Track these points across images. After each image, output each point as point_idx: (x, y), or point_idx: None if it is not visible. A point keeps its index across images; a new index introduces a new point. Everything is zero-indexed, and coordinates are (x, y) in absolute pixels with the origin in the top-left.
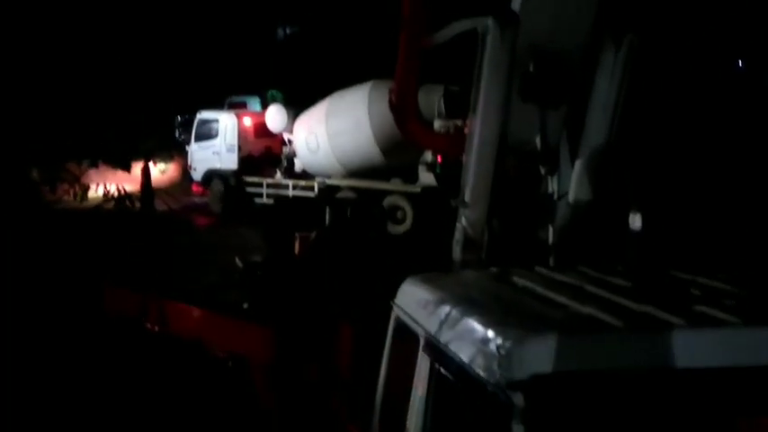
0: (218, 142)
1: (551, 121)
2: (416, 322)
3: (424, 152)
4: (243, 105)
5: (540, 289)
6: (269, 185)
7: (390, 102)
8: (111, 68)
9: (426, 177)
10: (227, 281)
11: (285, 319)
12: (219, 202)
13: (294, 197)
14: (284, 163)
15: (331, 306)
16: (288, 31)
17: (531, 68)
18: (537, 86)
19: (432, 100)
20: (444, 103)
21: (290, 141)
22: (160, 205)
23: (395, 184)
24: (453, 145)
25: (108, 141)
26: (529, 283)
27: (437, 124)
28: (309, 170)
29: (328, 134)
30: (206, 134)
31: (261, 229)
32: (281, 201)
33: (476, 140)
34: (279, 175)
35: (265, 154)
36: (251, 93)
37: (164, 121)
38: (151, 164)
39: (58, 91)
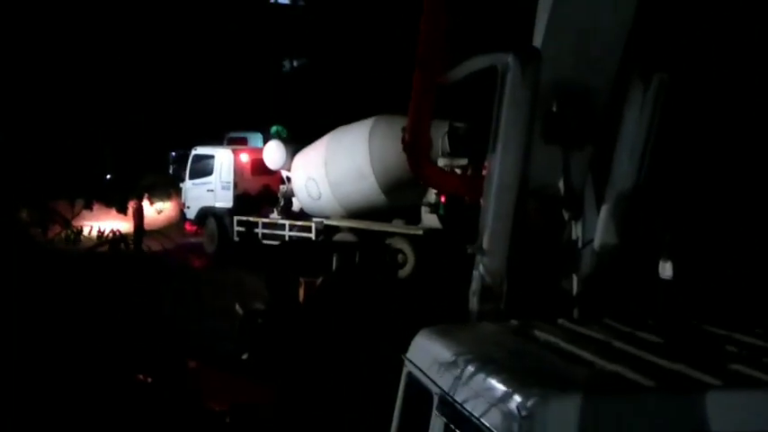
0: (214, 179)
1: (576, 163)
2: (430, 379)
3: (427, 192)
4: (243, 141)
5: (563, 344)
6: (265, 225)
7: (403, 141)
8: (108, 101)
9: (429, 219)
10: (226, 329)
11: (288, 372)
12: (213, 243)
13: (296, 238)
14: (281, 202)
15: (338, 358)
16: (294, 63)
17: (554, 107)
18: (560, 126)
19: (435, 137)
20: (449, 140)
21: (288, 179)
22: (155, 246)
23: (396, 226)
24: (470, 187)
25: (103, 180)
26: (551, 338)
27: (441, 163)
28: (307, 210)
29: (327, 174)
30: (201, 171)
31: (262, 273)
32: (284, 243)
33: (495, 183)
34: (275, 214)
35: (263, 192)
36: (254, 128)
37: (163, 156)
38: (147, 203)
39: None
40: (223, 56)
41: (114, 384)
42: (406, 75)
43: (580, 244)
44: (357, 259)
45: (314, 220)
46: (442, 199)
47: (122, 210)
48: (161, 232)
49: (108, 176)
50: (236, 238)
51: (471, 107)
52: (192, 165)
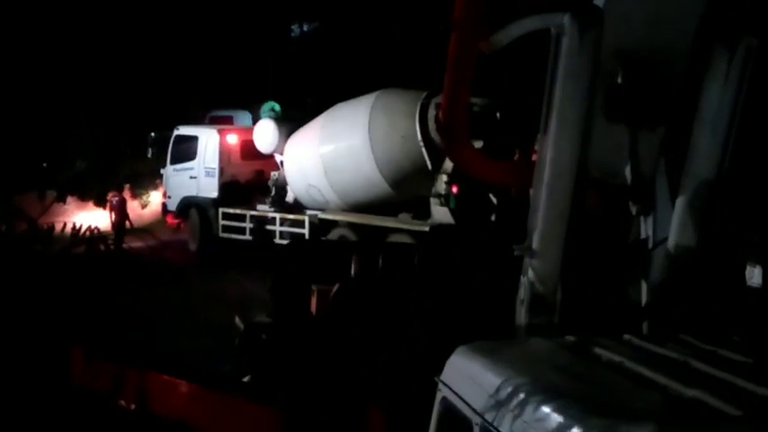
0: (197, 164)
1: (645, 146)
2: (469, 406)
3: (437, 181)
4: (228, 121)
5: (630, 364)
6: (253, 219)
7: (437, 120)
8: (81, 74)
9: (440, 213)
10: (224, 347)
11: (298, 399)
12: (196, 239)
13: (288, 235)
14: (272, 191)
15: (358, 382)
16: (304, 28)
17: (620, 78)
18: (626, 101)
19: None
20: None
21: (282, 164)
22: (138, 245)
23: (400, 221)
24: (518, 176)
25: (78, 168)
26: (616, 357)
27: None
28: (303, 201)
29: (323, 159)
30: (183, 154)
31: (268, 279)
32: (293, 242)
33: (547, 171)
34: (265, 206)
35: (255, 180)
36: (247, 105)
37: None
38: (127, 194)
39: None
40: (217, 20)
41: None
42: (440, 42)
43: (651, 244)
44: (380, 263)
45: (308, 213)
46: (454, 189)
47: (100, 203)
48: (146, 230)
49: (84, 164)
50: (221, 234)
51: (490, 79)
52: (173, 147)
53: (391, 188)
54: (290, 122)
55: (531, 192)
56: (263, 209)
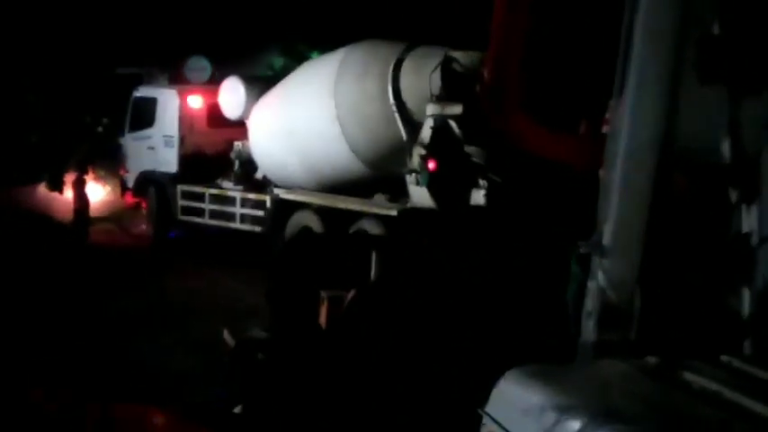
0: (155, 132)
1: (748, 115)
2: None
3: (411, 156)
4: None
5: (728, 393)
6: (212, 199)
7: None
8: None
9: (418, 194)
10: (209, 368)
11: None
12: (154, 222)
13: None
14: (236, 166)
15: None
16: None
17: (716, 29)
18: (724, 58)
19: (422, 70)
20: (442, 76)
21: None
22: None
23: (369, 204)
24: (583, 152)
25: (28, 146)
26: (710, 384)
27: (429, 111)
28: (272, 178)
29: (287, 129)
30: (141, 121)
31: (264, 282)
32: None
33: (623, 146)
34: (227, 182)
35: (226, 152)
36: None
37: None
38: (89, 176)
39: None
40: None
41: None
42: None
43: (755, 239)
44: (406, 262)
45: (273, 191)
46: (430, 164)
47: (56, 186)
48: (109, 219)
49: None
50: (179, 216)
51: (478, 25)
52: (132, 111)
53: (362, 163)
54: (264, 82)
55: (602, 173)
56: (228, 186)
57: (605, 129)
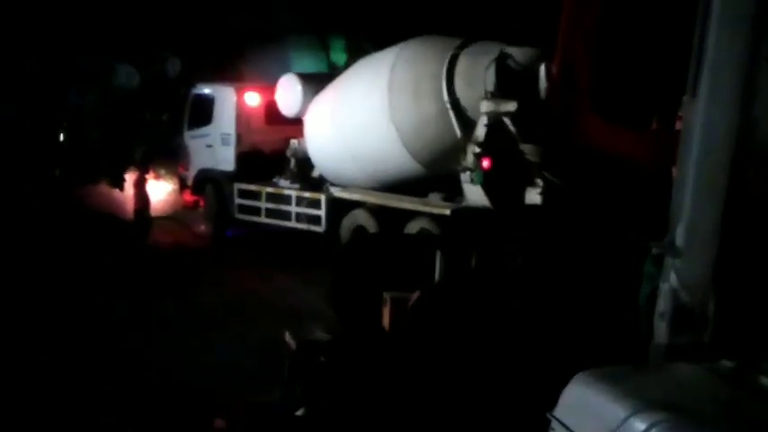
0: (213, 130)
1: None
2: None
3: (466, 154)
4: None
5: None
6: (269, 197)
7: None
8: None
9: (473, 193)
10: (269, 371)
11: None
12: (212, 221)
13: (304, 216)
14: (291, 164)
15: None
16: None
17: None
18: None
19: (476, 67)
20: (497, 73)
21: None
22: (165, 238)
23: (423, 202)
24: (656, 149)
25: (89, 144)
26: None
27: (484, 108)
28: (328, 177)
29: (342, 128)
30: (200, 118)
31: (323, 282)
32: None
33: (696, 143)
34: (284, 180)
35: (282, 149)
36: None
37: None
38: (150, 174)
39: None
40: None
41: None
42: None
43: None
44: (473, 262)
45: (328, 190)
46: (485, 163)
47: (116, 183)
48: (170, 217)
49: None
50: (237, 215)
51: (535, 20)
52: (190, 109)
53: (416, 162)
54: (320, 79)
55: (675, 171)
56: (284, 184)
57: (678, 126)
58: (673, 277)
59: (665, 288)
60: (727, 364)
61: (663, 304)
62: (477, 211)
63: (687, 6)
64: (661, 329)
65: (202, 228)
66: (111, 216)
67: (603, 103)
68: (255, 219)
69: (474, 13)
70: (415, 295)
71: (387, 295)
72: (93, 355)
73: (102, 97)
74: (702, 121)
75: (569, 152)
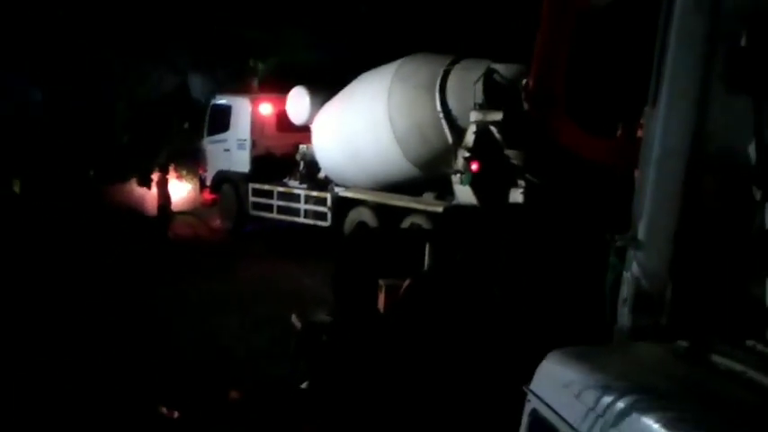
0: (230, 136)
1: None
2: (562, 419)
3: (456, 157)
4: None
5: (754, 374)
6: (280, 196)
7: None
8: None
9: (462, 192)
10: (278, 348)
11: (366, 410)
12: (230, 217)
13: (312, 212)
14: (301, 166)
15: (431, 393)
16: None
17: (743, 41)
18: (750, 68)
19: (466, 81)
20: (484, 86)
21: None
22: (184, 232)
23: (418, 201)
24: (621, 154)
25: (119, 147)
26: (736, 365)
27: (472, 117)
28: (332, 177)
29: (346, 134)
30: (218, 125)
31: (328, 272)
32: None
33: (656, 149)
34: (293, 181)
35: (293, 154)
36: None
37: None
38: (171, 175)
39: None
40: None
41: (131, 420)
42: None
43: None
44: (460, 254)
45: (333, 190)
46: (473, 166)
47: (145, 183)
48: (190, 213)
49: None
50: (251, 212)
51: (518, 41)
52: (210, 117)
53: (413, 165)
54: (327, 90)
55: (637, 174)
56: (294, 185)
57: (640, 133)
58: (634, 267)
59: (627, 277)
60: (682, 344)
61: (625, 291)
62: (466, 208)
63: (650, 25)
64: (624, 314)
65: (218, 222)
66: (136, 211)
67: (576, 111)
68: (268, 215)
69: (464, 32)
70: (407, 282)
71: (382, 282)
72: (119, 336)
73: (132, 104)
74: (661, 128)
75: (549, 157)
